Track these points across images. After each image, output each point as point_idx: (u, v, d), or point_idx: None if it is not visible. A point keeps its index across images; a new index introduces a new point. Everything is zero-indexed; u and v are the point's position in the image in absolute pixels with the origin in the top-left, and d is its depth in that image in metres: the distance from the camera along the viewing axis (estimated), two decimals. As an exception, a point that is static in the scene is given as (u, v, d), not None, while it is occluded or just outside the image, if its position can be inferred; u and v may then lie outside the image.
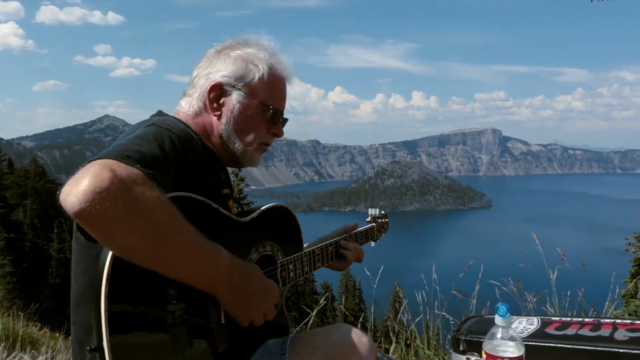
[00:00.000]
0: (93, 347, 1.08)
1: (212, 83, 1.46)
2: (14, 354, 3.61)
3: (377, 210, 2.34)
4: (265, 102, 1.50)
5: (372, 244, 2.27)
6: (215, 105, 1.47)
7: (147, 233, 1.03)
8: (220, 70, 1.47)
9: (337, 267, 1.91)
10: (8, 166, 29.22)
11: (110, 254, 1.07)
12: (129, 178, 1.02)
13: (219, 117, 1.48)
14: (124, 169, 1.03)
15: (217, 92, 1.47)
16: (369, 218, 2.29)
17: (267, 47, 1.52)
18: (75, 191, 0.97)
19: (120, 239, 1.02)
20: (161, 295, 1.16)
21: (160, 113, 1.52)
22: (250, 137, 1.51)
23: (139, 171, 1.06)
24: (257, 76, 1.47)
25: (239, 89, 1.47)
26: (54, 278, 22.62)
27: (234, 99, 1.47)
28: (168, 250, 1.08)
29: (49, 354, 3.76)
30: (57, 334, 6.76)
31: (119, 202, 0.98)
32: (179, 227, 1.09)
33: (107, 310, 1.05)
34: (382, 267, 3.82)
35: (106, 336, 1.05)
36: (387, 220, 2.36)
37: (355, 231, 2.04)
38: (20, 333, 4.33)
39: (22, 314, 6.02)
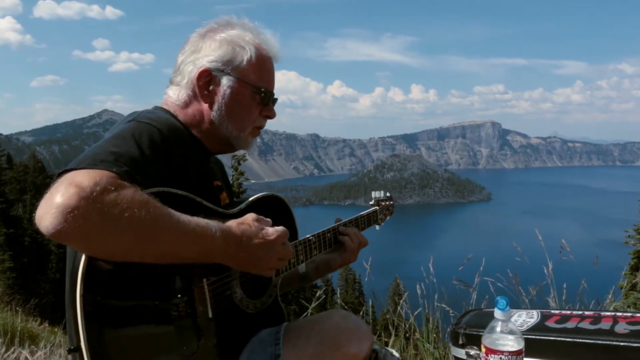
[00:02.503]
0: (72, 347, 1.07)
1: (201, 69, 1.42)
2: (12, 349, 3.60)
3: (382, 192, 2.24)
4: (256, 84, 1.46)
5: (377, 227, 2.18)
6: (205, 92, 1.44)
7: (130, 235, 1.02)
8: (207, 55, 1.43)
9: (340, 261, 1.81)
10: (7, 161, 29.18)
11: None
12: (97, 186, 0.99)
13: (210, 104, 1.44)
14: (91, 179, 1.00)
15: (206, 79, 1.43)
16: (373, 201, 2.20)
17: (251, 27, 1.49)
18: (47, 214, 0.96)
19: (102, 249, 1.02)
20: (143, 295, 1.15)
21: (156, 108, 1.48)
22: (243, 122, 1.49)
23: (109, 173, 1.04)
24: (245, 59, 1.43)
25: (228, 74, 1.43)
26: (54, 273, 22.64)
27: (224, 85, 1.43)
28: (155, 245, 1.07)
29: (47, 348, 3.75)
30: (57, 329, 6.76)
31: (92, 214, 0.97)
32: (161, 219, 1.07)
33: (83, 311, 1.04)
34: (370, 258, 3.72)
35: (83, 337, 1.04)
36: (392, 202, 2.27)
37: (357, 215, 1.98)
38: (19, 328, 4.33)
39: (21, 309, 6.03)
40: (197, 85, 1.43)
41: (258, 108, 1.50)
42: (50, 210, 0.96)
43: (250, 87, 1.45)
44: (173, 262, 1.13)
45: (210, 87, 1.44)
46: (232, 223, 1.26)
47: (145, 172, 1.15)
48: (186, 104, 1.46)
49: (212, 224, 1.17)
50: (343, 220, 1.89)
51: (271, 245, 1.30)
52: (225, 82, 1.43)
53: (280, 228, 1.34)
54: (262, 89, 1.48)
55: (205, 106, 1.45)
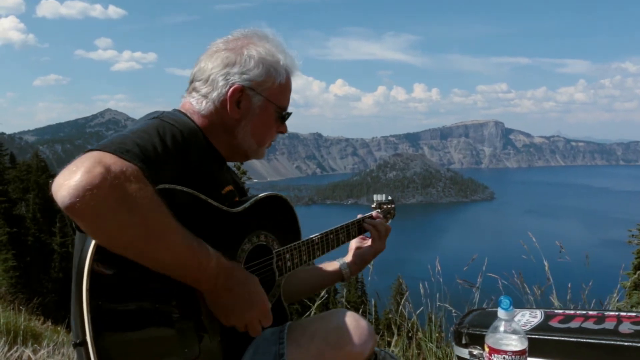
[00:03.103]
0: (78, 341, 1.07)
1: (235, 87, 1.44)
2: (15, 348, 3.61)
3: (383, 196, 2.23)
4: (281, 105, 1.53)
5: None
6: (235, 107, 1.46)
7: (137, 230, 1.04)
8: (242, 73, 1.44)
9: (371, 251, 1.92)
10: (10, 161, 29.25)
11: (92, 246, 1.07)
12: (122, 174, 1.02)
13: (238, 119, 1.47)
14: (118, 165, 1.03)
15: (238, 95, 1.45)
16: (374, 204, 2.19)
17: (283, 47, 1.52)
18: (67, 185, 0.98)
19: (108, 234, 1.03)
20: (149, 289, 1.16)
21: (175, 111, 1.49)
22: (264, 138, 1.56)
23: (135, 166, 1.06)
24: (277, 82, 1.49)
25: (260, 94, 1.47)
26: (57, 272, 22.71)
27: (254, 104, 1.47)
28: (155, 248, 1.08)
29: (50, 347, 3.76)
30: (59, 328, 6.78)
31: (110, 199, 0.99)
32: (168, 226, 1.09)
33: (89, 305, 1.05)
34: (373, 260, 3.72)
35: (89, 331, 1.05)
36: (393, 206, 2.26)
37: (358, 218, 1.99)
38: (22, 327, 4.33)
39: (24, 308, 6.05)
40: (229, 102, 1.44)
41: (277, 125, 1.57)
42: (71, 182, 0.98)
43: (276, 107, 1.52)
44: (160, 271, 1.13)
45: (241, 104, 1.46)
46: (230, 262, 1.26)
47: (165, 169, 1.18)
48: (210, 114, 1.47)
49: (214, 254, 1.20)
50: (347, 222, 1.90)
51: (255, 309, 1.29)
52: (256, 101, 1.48)
53: (269, 310, 1.34)
54: (286, 111, 1.56)
55: (232, 121, 1.47)
